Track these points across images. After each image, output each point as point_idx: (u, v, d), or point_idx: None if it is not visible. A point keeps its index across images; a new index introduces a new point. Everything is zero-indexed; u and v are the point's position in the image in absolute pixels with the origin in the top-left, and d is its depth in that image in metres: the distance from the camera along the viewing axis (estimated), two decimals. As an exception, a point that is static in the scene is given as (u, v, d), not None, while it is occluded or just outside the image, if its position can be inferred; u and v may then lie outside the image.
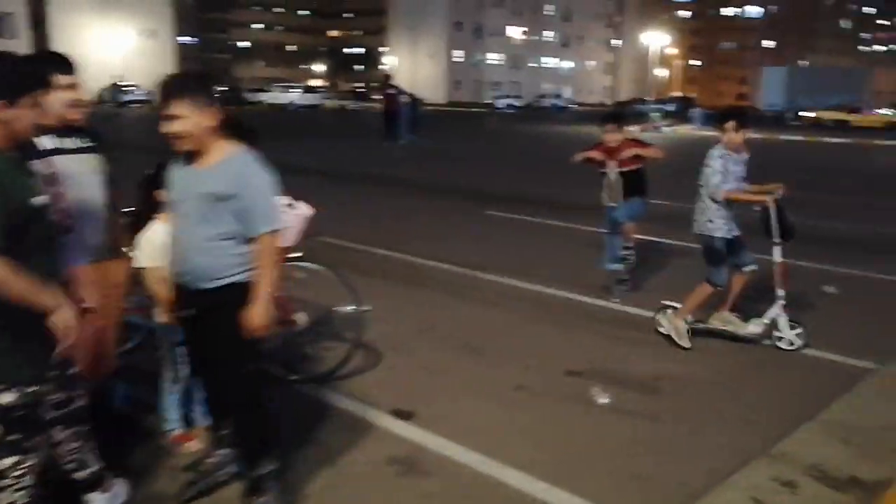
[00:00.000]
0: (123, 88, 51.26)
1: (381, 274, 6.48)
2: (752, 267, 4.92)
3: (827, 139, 30.47)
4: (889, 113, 44.21)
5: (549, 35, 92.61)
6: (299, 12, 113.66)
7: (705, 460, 3.36)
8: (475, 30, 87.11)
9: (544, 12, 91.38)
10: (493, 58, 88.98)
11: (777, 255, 4.77)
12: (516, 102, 66.40)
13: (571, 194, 11.74)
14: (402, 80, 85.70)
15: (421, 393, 3.98)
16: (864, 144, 27.98)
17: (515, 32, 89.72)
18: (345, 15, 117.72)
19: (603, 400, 3.94)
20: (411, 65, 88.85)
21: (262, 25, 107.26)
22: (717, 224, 4.81)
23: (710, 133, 34.56)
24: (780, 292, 4.79)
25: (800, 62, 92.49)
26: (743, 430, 3.66)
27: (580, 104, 74.04)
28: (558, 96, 73.72)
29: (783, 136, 31.67)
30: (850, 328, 5.31)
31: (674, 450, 3.48)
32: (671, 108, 47.96)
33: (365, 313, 5.18)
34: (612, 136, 6.04)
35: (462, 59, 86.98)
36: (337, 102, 55.66)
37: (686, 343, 4.83)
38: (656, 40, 53.49)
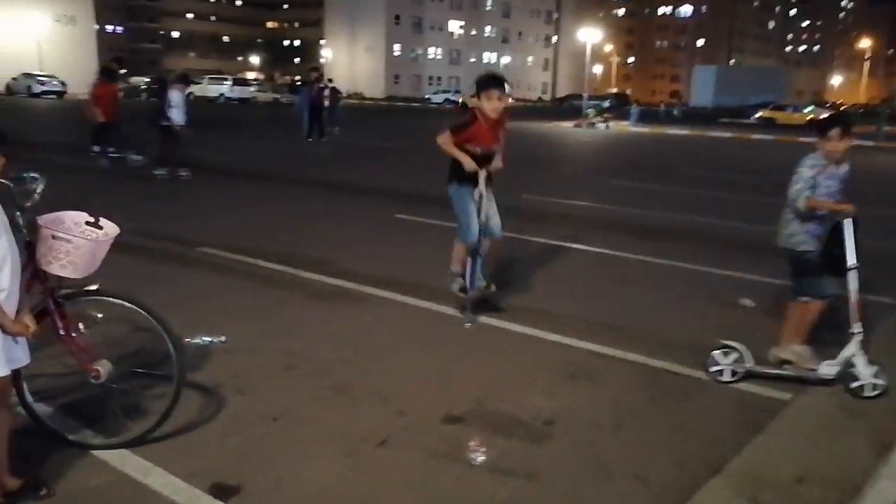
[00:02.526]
0: (38, 79, 48.46)
1: (256, 292, 5.70)
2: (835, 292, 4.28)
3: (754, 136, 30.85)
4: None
5: (488, 30, 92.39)
6: (235, 2, 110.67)
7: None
8: (414, 24, 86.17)
9: (485, 7, 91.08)
10: (432, 52, 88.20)
11: (853, 281, 4.05)
12: (454, 98, 65.81)
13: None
14: (341, 73, 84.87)
15: (258, 456, 3.21)
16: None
17: (455, 27, 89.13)
18: (283, 6, 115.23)
19: (479, 458, 3.28)
20: (349, 58, 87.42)
21: (193, 16, 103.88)
22: (800, 238, 4.24)
23: (645, 130, 34.91)
24: (857, 326, 4.08)
25: (730, 62, 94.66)
26: (632, 495, 3.05)
27: (520, 100, 73.96)
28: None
29: (712, 133, 31.96)
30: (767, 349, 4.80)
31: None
32: (607, 104, 48.05)
33: (219, 345, 4.45)
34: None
35: (400, 53, 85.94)
36: (270, 95, 53.91)
37: (814, 364, 4.22)
38: (592, 37, 53.55)
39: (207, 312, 5.07)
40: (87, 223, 3.13)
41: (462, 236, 5.23)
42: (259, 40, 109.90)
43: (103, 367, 3.10)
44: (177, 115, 11.69)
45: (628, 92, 64.29)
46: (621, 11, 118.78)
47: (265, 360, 4.26)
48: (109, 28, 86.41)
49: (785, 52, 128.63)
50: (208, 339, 4.45)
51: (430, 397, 3.89)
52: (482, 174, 5.07)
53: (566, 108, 53.83)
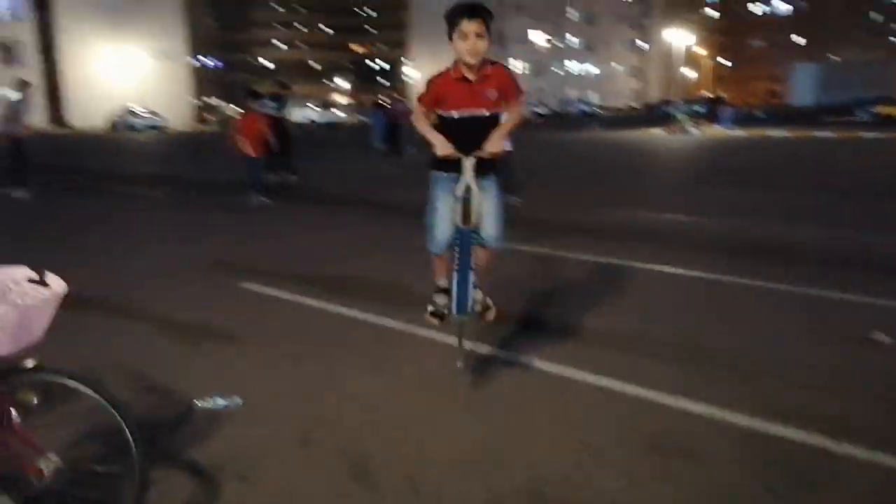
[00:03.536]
0: (138, 115, 50.97)
1: (292, 335, 5.01)
2: None
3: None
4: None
5: (573, 40, 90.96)
6: (321, 28, 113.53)
7: None
8: (497, 37, 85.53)
9: (567, 17, 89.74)
10: (515, 65, 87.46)
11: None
12: (541, 110, 64.77)
13: (563, 214, 10.32)
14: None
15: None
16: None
17: (538, 38, 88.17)
18: (367, 29, 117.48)
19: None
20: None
21: (282, 43, 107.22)
22: None
23: (741, 133, 32.82)
24: None
25: (831, 57, 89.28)
26: None
27: (607, 108, 71.99)
28: (585, 102, 71.98)
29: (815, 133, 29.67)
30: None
31: None
32: (700, 108, 45.80)
33: (234, 409, 3.78)
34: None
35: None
36: (357, 118, 54.67)
37: None
38: (683, 40, 51.40)
39: (231, 360, 4.43)
40: (31, 280, 2.51)
41: (426, 242, 4.01)
42: (346, 64, 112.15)
43: (48, 465, 2.45)
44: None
45: (723, 95, 61.38)
46: (714, 13, 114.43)
47: (280, 431, 3.53)
48: (204, 61, 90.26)
49: (892, 42, 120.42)
50: (223, 402, 3.78)
51: (472, 484, 3.06)
52: (467, 161, 3.66)
53: (657, 114, 51.68)
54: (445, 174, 3.81)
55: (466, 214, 3.74)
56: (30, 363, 2.47)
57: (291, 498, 2.97)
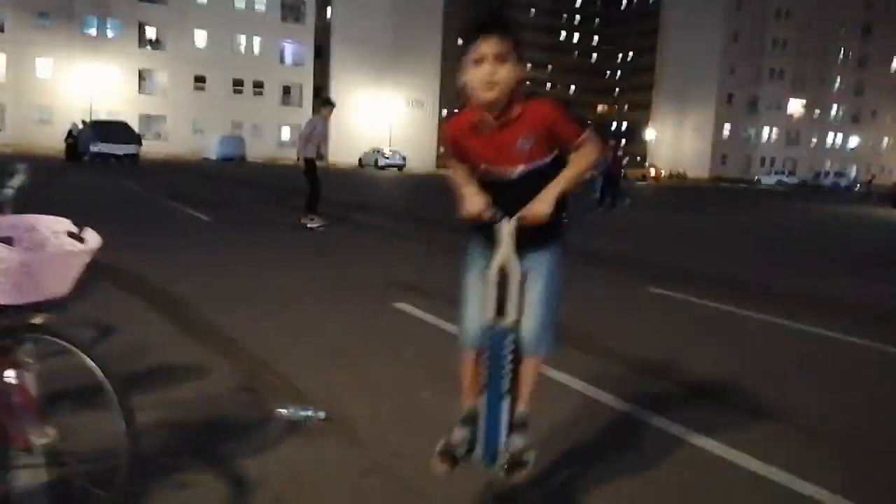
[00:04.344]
0: (384, 154, 55.05)
1: (438, 358, 4.55)
2: None
3: None
4: None
5: (835, 109, 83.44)
6: (570, 87, 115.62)
7: None
8: (749, 103, 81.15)
9: (833, 85, 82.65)
10: (766, 132, 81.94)
11: None
12: (788, 179, 59.73)
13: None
14: (664, 153, 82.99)
15: None
16: None
17: (795, 106, 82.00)
18: (615, 91, 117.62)
19: None
20: (674, 138, 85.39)
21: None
22: None
23: None
24: None
25: None
26: None
27: (874, 184, 64.32)
28: (840, 174, 65.31)
29: None
30: None
31: None
32: None
33: (315, 421, 3.42)
34: None
35: (730, 133, 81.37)
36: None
37: None
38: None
39: (350, 373, 4.09)
40: (70, 234, 2.34)
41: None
42: (588, 122, 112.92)
43: (41, 438, 2.21)
44: None
45: None
46: None
47: (343, 465, 3.08)
48: (452, 111, 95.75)
49: None
50: (305, 412, 3.43)
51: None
52: (504, 225, 2.47)
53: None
54: (481, 243, 2.60)
55: (500, 305, 2.52)
56: (38, 320, 2.27)
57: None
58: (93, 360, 2.16)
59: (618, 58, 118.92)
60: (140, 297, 5.85)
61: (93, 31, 56.11)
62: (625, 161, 19.86)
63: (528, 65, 2.44)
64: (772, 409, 3.96)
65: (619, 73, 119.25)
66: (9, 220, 2.28)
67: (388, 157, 54.39)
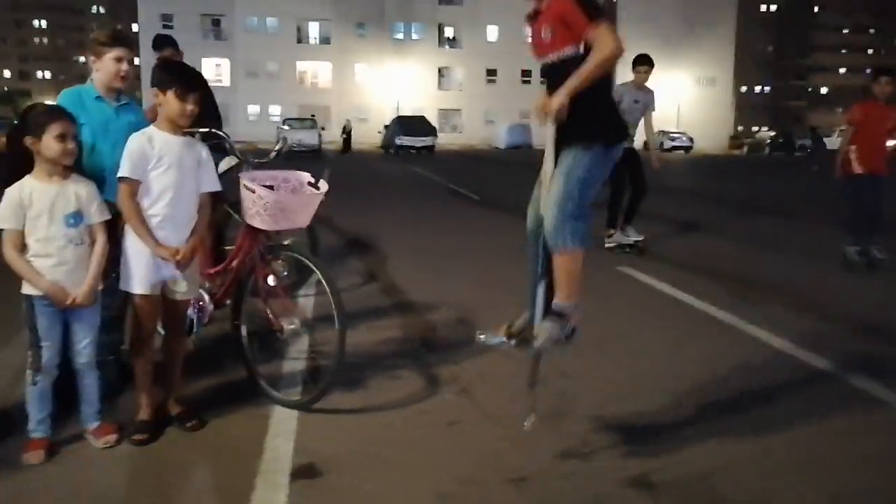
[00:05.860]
0: (670, 135, 53.32)
1: (642, 301, 4.95)
2: None
3: None
4: None
5: None
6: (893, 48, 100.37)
7: None
8: None
9: None
10: None
11: None
12: None
13: None
14: None
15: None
16: None
17: None
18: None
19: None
20: None
21: (846, 70, 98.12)
22: None
23: None
24: None
25: None
26: None
27: None
28: None
29: None
30: None
31: None
32: None
33: (503, 347, 4.10)
34: None
35: None
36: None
37: None
38: None
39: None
40: (310, 183, 3.30)
41: None
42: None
43: (289, 325, 3.19)
44: None
45: None
46: None
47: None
48: (752, 88, 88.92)
49: None
50: (497, 339, 4.11)
51: None
52: (548, 125, 2.65)
53: None
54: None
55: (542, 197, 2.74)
56: (286, 241, 3.27)
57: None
58: (321, 273, 3.09)
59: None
60: (396, 254, 7.07)
61: (400, 36, 62.35)
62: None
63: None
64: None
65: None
66: (271, 174, 3.30)
67: (674, 139, 52.57)
